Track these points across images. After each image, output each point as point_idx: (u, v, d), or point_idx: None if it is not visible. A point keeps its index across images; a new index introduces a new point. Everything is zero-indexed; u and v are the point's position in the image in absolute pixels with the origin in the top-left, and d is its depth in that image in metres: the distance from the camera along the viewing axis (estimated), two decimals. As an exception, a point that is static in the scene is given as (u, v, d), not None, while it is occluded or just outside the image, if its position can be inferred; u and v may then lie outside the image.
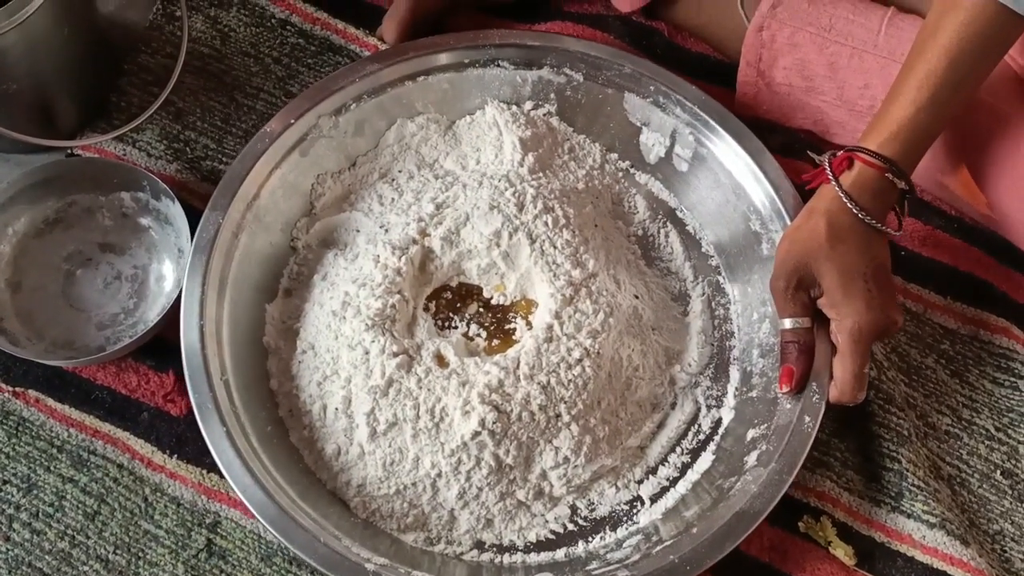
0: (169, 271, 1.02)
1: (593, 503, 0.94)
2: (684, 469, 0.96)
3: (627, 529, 0.93)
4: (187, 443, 0.96)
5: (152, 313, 1.00)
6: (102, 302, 1.01)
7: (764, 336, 0.99)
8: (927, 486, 0.95)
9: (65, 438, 0.96)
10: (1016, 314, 1.05)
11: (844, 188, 0.91)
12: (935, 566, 0.93)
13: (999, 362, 1.03)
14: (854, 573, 0.93)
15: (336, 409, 0.92)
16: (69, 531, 0.93)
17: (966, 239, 1.08)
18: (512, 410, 0.90)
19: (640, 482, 0.95)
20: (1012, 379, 1.03)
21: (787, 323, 0.93)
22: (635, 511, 0.94)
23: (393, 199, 1.02)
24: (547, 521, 0.93)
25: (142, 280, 1.02)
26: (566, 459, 0.91)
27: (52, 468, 0.95)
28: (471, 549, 0.91)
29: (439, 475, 0.90)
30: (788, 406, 0.93)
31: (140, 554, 0.92)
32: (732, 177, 1.03)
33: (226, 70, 1.12)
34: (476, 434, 0.89)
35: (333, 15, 1.15)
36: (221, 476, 0.92)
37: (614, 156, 1.09)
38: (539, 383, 0.91)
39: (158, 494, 0.94)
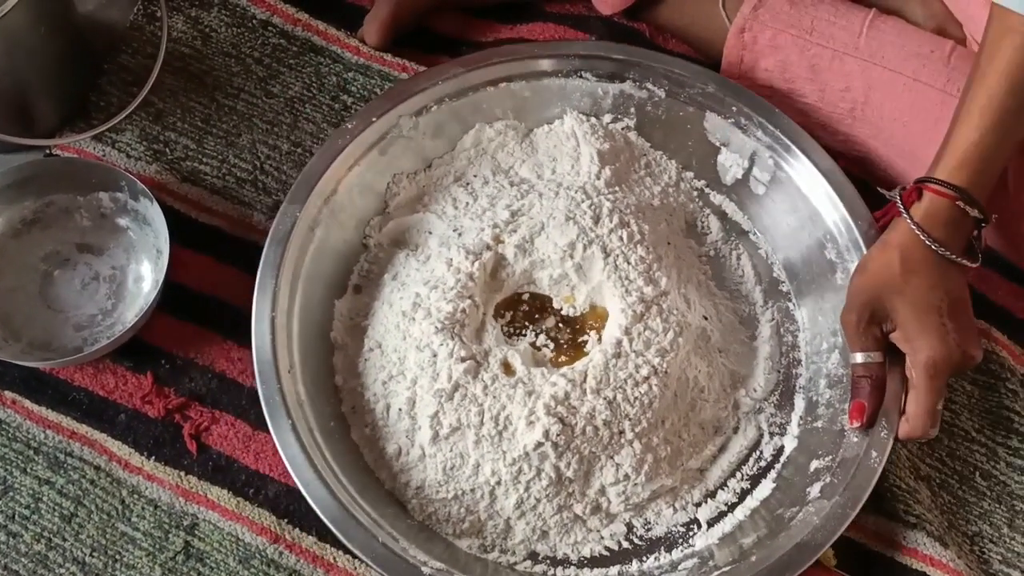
0: (147, 272, 1.02)
1: (649, 522, 0.93)
2: (743, 495, 0.95)
3: (682, 551, 0.92)
4: (164, 445, 0.96)
5: (130, 314, 1.00)
6: (80, 303, 1.01)
7: (833, 367, 0.97)
8: (907, 487, 0.94)
9: (42, 440, 0.96)
10: (995, 316, 1.05)
11: (915, 220, 0.89)
12: (914, 567, 0.92)
13: (978, 364, 1.01)
14: (835, 575, 0.92)
15: (400, 409, 0.92)
16: (45, 533, 0.93)
17: None
18: (576, 423, 0.89)
19: (698, 505, 0.94)
20: (991, 381, 1.02)
21: (859, 357, 0.92)
22: (691, 534, 0.93)
23: (467, 203, 1.02)
24: (602, 537, 0.92)
25: (120, 281, 1.02)
26: (626, 476, 0.91)
27: (28, 470, 0.95)
28: (524, 559, 0.91)
29: (498, 483, 0.90)
30: (855, 439, 0.91)
31: (117, 556, 0.92)
32: (809, 203, 1.02)
33: (207, 70, 1.12)
34: (539, 445, 0.88)
35: (314, 16, 1.15)
36: (199, 478, 0.94)
37: (690, 175, 1.08)
38: (605, 398, 0.90)
39: (135, 496, 0.94)
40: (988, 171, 0.90)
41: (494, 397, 0.90)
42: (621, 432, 0.90)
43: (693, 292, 1.00)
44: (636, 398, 0.91)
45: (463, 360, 0.91)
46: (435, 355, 0.91)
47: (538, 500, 0.90)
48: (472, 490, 0.90)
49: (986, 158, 0.89)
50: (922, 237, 0.89)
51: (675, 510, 0.94)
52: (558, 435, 0.88)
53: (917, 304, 0.89)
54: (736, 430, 0.97)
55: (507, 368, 0.92)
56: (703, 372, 0.96)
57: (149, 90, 1.08)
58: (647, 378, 0.92)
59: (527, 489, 0.90)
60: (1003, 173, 0.96)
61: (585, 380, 0.91)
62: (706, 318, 0.99)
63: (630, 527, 0.93)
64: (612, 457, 0.91)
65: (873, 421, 0.91)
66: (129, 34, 1.13)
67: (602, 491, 0.91)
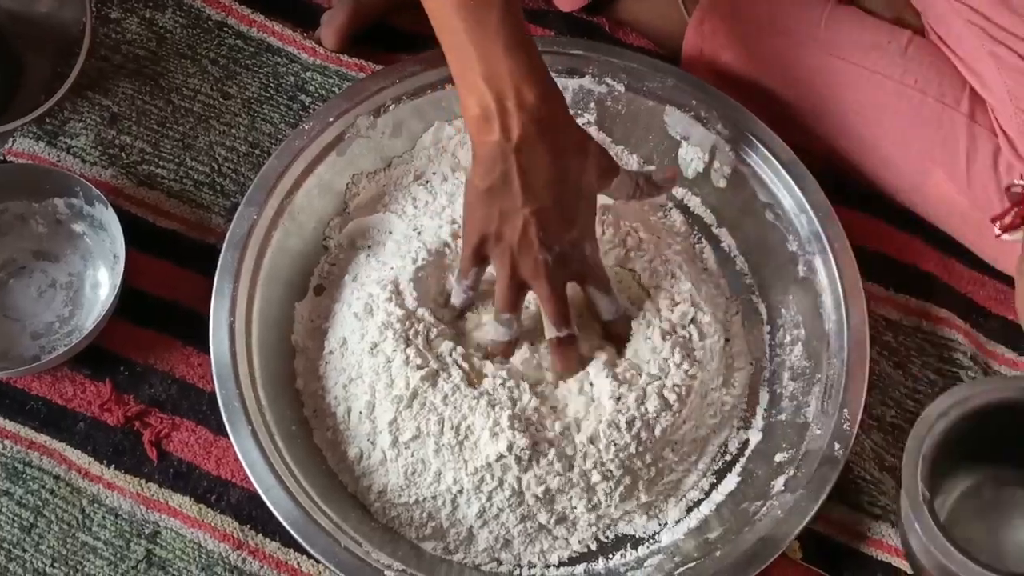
0: (104, 278, 1.00)
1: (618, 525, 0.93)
2: (709, 490, 0.94)
3: (648, 548, 0.92)
4: (124, 453, 0.95)
5: (88, 321, 0.98)
6: (36, 311, 0.99)
7: (796, 359, 0.97)
8: (871, 478, 0.94)
9: None
10: (958, 304, 1.05)
11: None
12: (880, 558, 0.93)
13: (942, 352, 1.03)
14: (800, 567, 0.92)
15: (360, 413, 0.92)
16: (5, 545, 0.92)
17: (908, 230, 1.07)
18: (544, 447, 0.88)
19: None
20: (954, 369, 1.02)
21: None
22: (657, 530, 0.93)
23: (427, 202, 1.02)
24: (569, 544, 0.91)
25: (77, 288, 1.01)
26: (598, 503, 0.90)
27: (-14, 481, 0.94)
28: (490, 562, 0.91)
29: (460, 491, 0.89)
30: (819, 432, 0.91)
31: (78, 566, 0.91)
32: (772, 196, 1.01)
33: (162, 72, 1.11)
34: (501, 457, 0.87)
35: (269, 16, 1.14)
36: (160, 485, 0.93)
37: (651, 168, 1.08)
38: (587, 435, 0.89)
39: (95, 505, 0.93)
40: None
41: (455, 407, 0.88)
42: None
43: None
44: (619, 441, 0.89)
45: (419, 368, 0.89)
46: (389, 360, 0.90)
47: (500, 510, 0.89)
48: (433, 497, 0.89)
49: None
50: None
51: (648, 518, 0.93)
52: (522, 449, 0.87)
53: None
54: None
55: (471, 378, 0.90)
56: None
57: (104, 94, 1.08)
58: (631, 424, 0.90)
59: (489, 499, 0.88)
60: None
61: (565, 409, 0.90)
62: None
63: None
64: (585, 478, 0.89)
65: None
66: (79, 36, 1.10)
67: (570, 504, 0.90)
